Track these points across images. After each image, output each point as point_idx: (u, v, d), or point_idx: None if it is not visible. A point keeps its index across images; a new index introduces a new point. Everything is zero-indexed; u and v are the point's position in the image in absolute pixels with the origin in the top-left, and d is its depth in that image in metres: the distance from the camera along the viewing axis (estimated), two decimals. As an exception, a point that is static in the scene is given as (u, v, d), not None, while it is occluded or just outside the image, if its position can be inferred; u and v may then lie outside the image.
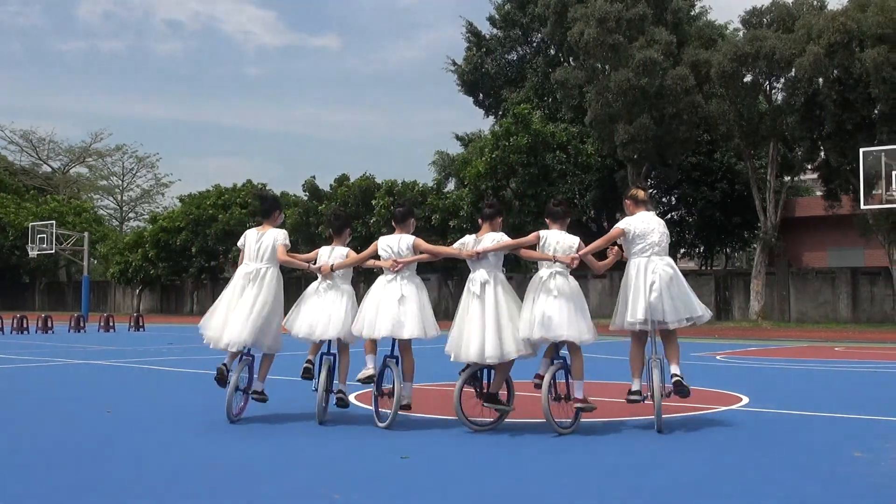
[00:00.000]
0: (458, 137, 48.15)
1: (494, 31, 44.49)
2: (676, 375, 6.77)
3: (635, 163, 33.45)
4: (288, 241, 7.50)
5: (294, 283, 24.89)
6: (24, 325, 25.52)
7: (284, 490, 4.80)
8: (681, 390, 6.76)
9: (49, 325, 25.78)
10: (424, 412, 7.64)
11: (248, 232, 7.62)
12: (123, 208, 72.00)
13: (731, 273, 37.10)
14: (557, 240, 6.88)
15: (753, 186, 32.86)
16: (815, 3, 31.93)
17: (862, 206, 25.95)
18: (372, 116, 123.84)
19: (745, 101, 31.45)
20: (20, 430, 6.92)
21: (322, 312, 7.21)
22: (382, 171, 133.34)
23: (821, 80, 29.37)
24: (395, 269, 6.98)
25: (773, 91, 32.30)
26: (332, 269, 7.31)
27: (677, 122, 31.99)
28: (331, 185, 43.38)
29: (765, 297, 32.44)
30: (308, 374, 7.34)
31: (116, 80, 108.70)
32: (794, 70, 29.62)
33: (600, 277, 37.75)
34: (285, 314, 7.45)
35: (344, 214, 8.10)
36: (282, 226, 7.90)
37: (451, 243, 9.23)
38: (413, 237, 7.21)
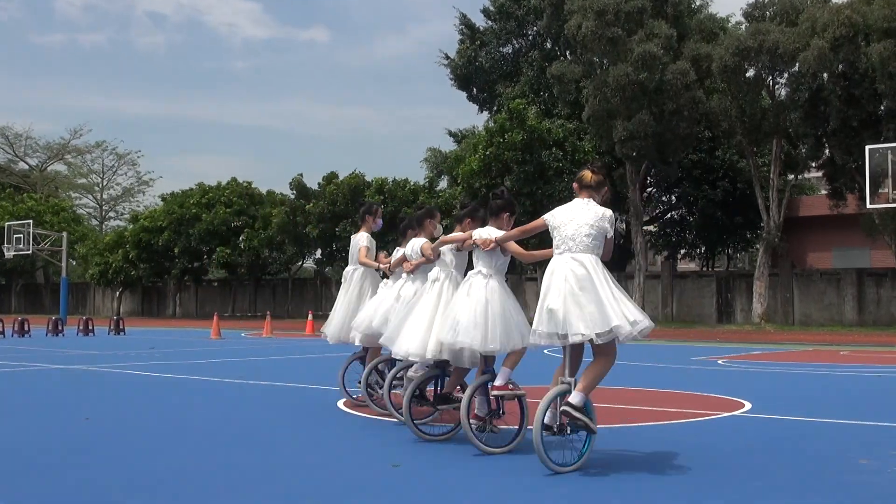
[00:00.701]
0: (450, 134, 48.21)
1: (489, 23, 44.51)
2: (567, 405, 5.47)
3: (634, 160, 33.50)
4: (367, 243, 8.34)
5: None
6: (0, 329, 25.41)
7: (270, 498, 4.77)
8: (570, 424, 5.50)
9: (26, 328, 25.68)
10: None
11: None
12: (103, 207, 71.85)
13: (733, 274, 37.18)
14: (483, 235, 6.44)
15: (756, 185, 32.93)
16: (819, -5, 32.07)
17: (868, 205, 26.04)
18: (362, 112, 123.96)
19: (747, 96, 31.52)
20: (-6, 438, 6.88)
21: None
22: (372, 169, 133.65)
23: (825, 75, 29.45)
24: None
25: (777, 86, 32.40)
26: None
27: (677, 119, 32.05)
28: (319, 184, 43.37)
29: (768, 299, 32.52)
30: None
31: (97, 74, 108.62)
32: (797, 65, 29.71)
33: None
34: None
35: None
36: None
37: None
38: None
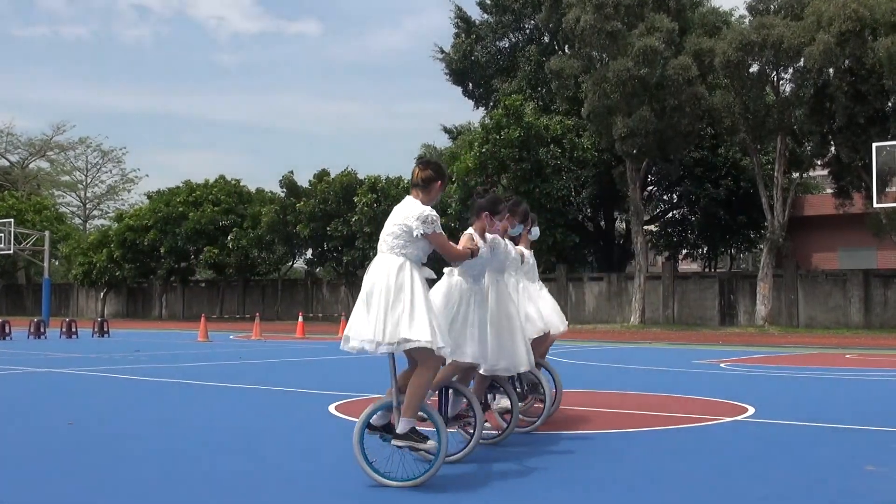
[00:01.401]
0: (445, 130, 48.27)
1: (485, 16, 44.59)
2: (395, 438, 5.38)
3: (634, 158, 33.55)
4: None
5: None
6: (-20, 331, 25.33)
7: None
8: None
9: (7, 330, 25.61)
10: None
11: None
12: (87, 205, 71.76)
13: (737, 275, 37.24)
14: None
15: (760, 183, 32.98)
16: (825, -12, 32.15)
17: (875, 205, 26.13)
18: (354, 107, 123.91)
19: (750, 92, 31.57)
20: (-26, 444, 6.86)
21: None
22: (365, 166, 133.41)
23: (831, 70, 29.54)
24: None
25: (781, 82, 32.49)
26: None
27: (679, 115, 32.11)
28: (310, 181, 43.36)
29: (772, 300, 32.58)
30: None
31: (80, 68, 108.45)
32: (802, 60, 29.78)
33: (596, 279, 37.91)
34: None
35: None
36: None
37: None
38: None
